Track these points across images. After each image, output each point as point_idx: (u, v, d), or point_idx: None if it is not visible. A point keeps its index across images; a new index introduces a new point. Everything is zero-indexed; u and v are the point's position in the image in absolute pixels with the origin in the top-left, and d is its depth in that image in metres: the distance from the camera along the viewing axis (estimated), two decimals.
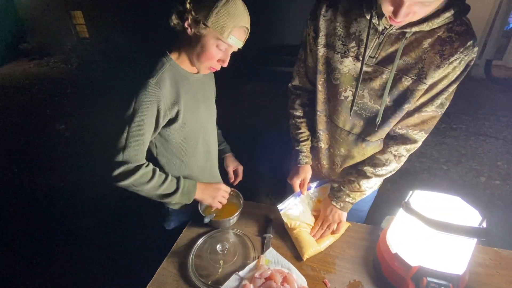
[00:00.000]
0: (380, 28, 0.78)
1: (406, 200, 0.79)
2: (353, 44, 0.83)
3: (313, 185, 1.10)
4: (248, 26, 0.84)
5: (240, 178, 1.21)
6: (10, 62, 8.88)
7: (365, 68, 0.83)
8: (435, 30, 0.74)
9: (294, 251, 0.98)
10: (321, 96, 0.97)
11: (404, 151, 0.89)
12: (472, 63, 0.75)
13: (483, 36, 6.32)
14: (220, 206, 1.03)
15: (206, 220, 0.98)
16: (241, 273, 0.86)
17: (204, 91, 1.01)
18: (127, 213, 2.28)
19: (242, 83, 5.86)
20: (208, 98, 1.05)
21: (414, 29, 0.73)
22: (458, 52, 0.72)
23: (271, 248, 0.96)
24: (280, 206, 1.06)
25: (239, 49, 0.87)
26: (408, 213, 0.76)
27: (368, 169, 0.94)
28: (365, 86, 0.85)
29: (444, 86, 0.78)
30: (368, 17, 0.78)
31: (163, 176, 0.91)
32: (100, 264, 1.94)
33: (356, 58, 0.84)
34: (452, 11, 0.69)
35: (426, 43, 0.75)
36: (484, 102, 4.57)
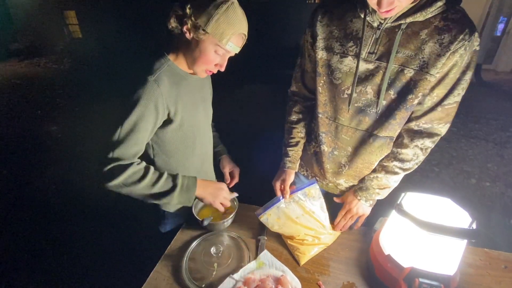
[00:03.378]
0: (375, 24, 0.80)
1: (398, 202, 0.81)
2: (351, 43, 0.86)
3: (299, 187, 1.06)
4: (246, 33, 0.85)
5: (236, 180, 1.19)
6: (0, 62, 8.72)
7: (366, 65, 0.85)
8: (430, 20, 0.76)
9: (288, 254, 0.98)
10: (322, 98, 0.98)
11: (430, 143, 0.91)
12: (478, 48, 0.76)
13: None
14: (222, 209, 0.99)
15: (206, 223, 0.97)
16: (236, 275, 0.86)
17: (202, 93, 1.01)
18: (121, 215, 2.25)
19: (239, 85, 5.87)
20: (206, 99, 1.05)
21: (408, 19, 0.75)
22: (458, 39, 0.73)
23: (265, 251, 0.96)
24: (258, 212, 1.02)
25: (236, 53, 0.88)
26: (400, 215, 0.77)
27: (396, 165, 0.95)
28: (368, 82, 0.87)
29: (457, 75, 0.79)
30: (362, 15, 0.80)
31: (157, 173, 0.87)
32: (92, 267, 1.91)
33: (356, 56, 0.86)
34: (444, 0, 0.72)
35: (423, 34, 0.76)
36: (474, 105, 4.67)
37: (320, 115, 1.00)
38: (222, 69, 0.90)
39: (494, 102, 4.85)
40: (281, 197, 1.04)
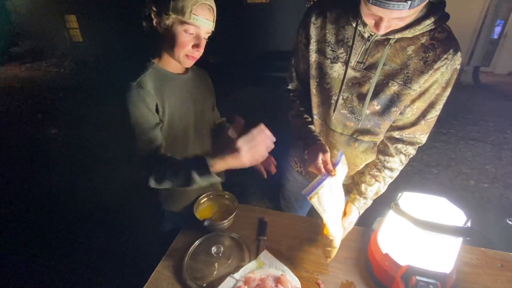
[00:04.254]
0: (366, 35, 0.82)
1: (395, 202, 0.82)
2: (341, 50, 0.87)
3: (336, 162, 0.88)
4: (211, 4, 0.85)
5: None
6: (1, 66, 8.76)
7: (354, 73, 0.87)
8: (418, 37, 0.78)
9: (288, 253, 0.99)
10: (315, 100, 1.00)
11: (413, 150, 0.97)
12: (459, 67, 0.80)
13: (471, 44, 6.52)
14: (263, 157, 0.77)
15: (206, 223, 0.98)
16: (236, 275, 0.87)
17: (192, 91, 1.01)
18: (122, 216, 2.26)
19: (239, 88, 5.91)
20: (198, 99, 1.05)
21: (397, 35, 0.77)
22: (442, 59, 0.77)
23: (265, 251, 0.97)
24: (305, 192, 0.80)
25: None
26: (397, 214, 0.78)
27: (387, 174, 0.99)
28: (354, 90, 0.89)
29: (437, 90, 0.83)
30: (354, 25, 0.82)
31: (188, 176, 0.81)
32: (94, 268, 1.92)
33: (345, 63, 0.87)
34: (433, 19, 0.74)
35: (410, 50, 0.79)
36: (472, 107, 4.70)
37: (315, 116, 1.03)
38: (201, 50, 0.88)
39: (492, 104, 4.88)
40: (326, 175, 0.84)
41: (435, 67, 0.78)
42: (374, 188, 1.00)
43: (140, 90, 0.83)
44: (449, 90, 0.83)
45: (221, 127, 1.22)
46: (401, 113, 0.90)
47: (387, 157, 0.98)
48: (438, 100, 0.85)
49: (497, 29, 6.82)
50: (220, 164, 0.78)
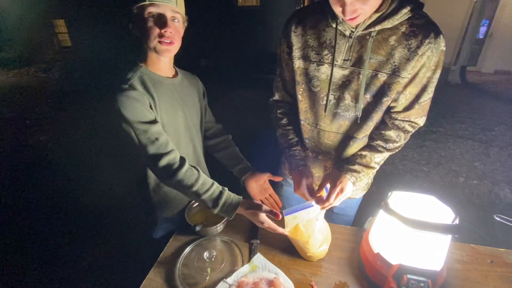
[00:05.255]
0: (347, 33, 0.84)
1: (385, 201, 0.83)
2: (326, 51, 0.89)
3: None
4: None
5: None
6: None
7: (342, 72, 0.88)
8: (398, 27, 0.80)
9: (281, 256, 0.99)
10: (302, 106, 1.00)
11: (410, 128, 0.95)
12: (445, 48, 0.81)
13: (457, 44, 6.69)
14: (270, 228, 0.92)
15: (198, 229, 0.97)
16: (229, 279, 0.86)
17: (181, 95, 1.01)
18: (113, 223, 2.23)
19: (231, 90, 5.91)
20: (187, 102, 1.04)
21: (377, 27, 0.80)
22: (425, 43, 0.78)
23: (258, 254, 0.96)
24: (285, 211, 0.92)
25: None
26: (387, 213, 0.79)
27: (379, 144, 0.97)
28: (345, 89, 0.90)
29: (427, 74, 0.84)
30: (334, 25, 0.84)
31: (207, 184, 0.90)
32: (84, 275, 1.88)
33: (331, 63, 0.89)
34: (409, 8, 0.76)
35: (392, 40, 0.81)
36: (460, 106, 4.80)
37: (302, 122, 1.03)
38: (169, 29, 0.85)
39: (479, 103, 4.99)
40: (312, 203, 0.92)
41: (420, 52, 0.79)
42: (363, 154, 0.96)
43: (133, 92, 0.83)
44: (439, 71, 0.85)
45: (225, 140, 1.21)
46: (395, 100, 0.90)
47: (383, 131, 0.97)
48: (429, 82, 0.86)
49: (482, 29, 7.01)
50: (243, 210, 0.91)
